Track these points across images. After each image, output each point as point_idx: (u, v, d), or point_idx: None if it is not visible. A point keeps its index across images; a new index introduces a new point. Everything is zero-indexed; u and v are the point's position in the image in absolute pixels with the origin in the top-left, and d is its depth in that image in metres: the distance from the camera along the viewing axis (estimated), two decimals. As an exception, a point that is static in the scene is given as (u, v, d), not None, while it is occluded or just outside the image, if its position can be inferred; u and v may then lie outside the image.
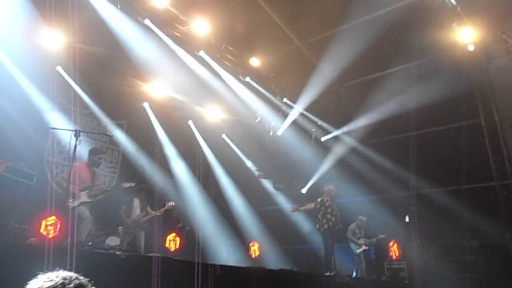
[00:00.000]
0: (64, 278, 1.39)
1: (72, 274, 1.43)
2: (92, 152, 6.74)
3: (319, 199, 7.98)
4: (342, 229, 8.10)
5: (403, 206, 10.25)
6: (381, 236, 9.09)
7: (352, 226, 8.99)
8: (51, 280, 1.37)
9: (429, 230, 9.72)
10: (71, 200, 5.87)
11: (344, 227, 8.45)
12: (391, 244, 9.61)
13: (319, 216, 7.83)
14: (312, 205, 8.02)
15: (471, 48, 8.65)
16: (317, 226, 7.88)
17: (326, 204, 7.83)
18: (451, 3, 8.01)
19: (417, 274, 8.87)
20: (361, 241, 8.90)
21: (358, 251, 8.80)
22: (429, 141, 9.74)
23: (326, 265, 7.67)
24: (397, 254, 9.58)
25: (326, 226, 7.70)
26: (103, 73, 9.01)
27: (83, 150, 8.71)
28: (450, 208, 9.16)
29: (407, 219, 10.18)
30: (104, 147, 9.67)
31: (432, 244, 9.51)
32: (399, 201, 10.30)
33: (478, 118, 9.40)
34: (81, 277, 1.44)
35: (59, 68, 8.68)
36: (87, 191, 6.23)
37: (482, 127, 9.37)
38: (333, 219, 7.71)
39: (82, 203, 6.14)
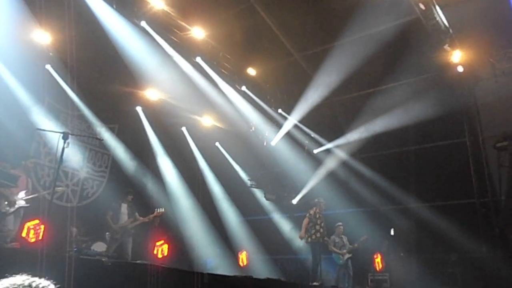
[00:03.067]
0: (30, 286, 1.30)
1: (37, 280, 1.33)
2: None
3: (311, 211, 8.10)
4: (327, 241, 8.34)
5: (389, 219, 10.47)
6: (362, 238, 9.04)
7: (332, 236, 9.00)
8: (14, 284, 1.28)
9: (412, 244, 10.01)
10: (6, 203, 6.12)
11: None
12: (375, 256, 9.79)
13: (308, 227, 7.94)
14: (306, 221, 8.09)
15: (460, 69, 8.99)
16: (306, 237, 7.99)
17: (317, 216, 8.02)
18: (444, 24, 8.28)
19: (399, 285, 9.12)
20: (343, 250, 8.98)
21: (340, 261, 8.87)
22: (417, 157, 10.02)
23: (313, 275, 7.84)
24: (380, 265, 9.77)
25: (314, 237, 7.91)
26: (95, 74, 8.75)
27: (71, 153, 8.60)
28: (433, 223, 9.45)
29: (392, 232, 10.40)
30: (93, 150, 9.40)
31: (414, 256, 9.78)
32: (385, 215, 10.51)
33: (464, 137, 9.73)
34: (47, 282, 1.34)
35: (49, 67, 8.37)
36: (23, 196, 6.42)
37: (467, 146, 9.70)
38: (321, 230, 7.97)
39: (20, 208, 6.36)
